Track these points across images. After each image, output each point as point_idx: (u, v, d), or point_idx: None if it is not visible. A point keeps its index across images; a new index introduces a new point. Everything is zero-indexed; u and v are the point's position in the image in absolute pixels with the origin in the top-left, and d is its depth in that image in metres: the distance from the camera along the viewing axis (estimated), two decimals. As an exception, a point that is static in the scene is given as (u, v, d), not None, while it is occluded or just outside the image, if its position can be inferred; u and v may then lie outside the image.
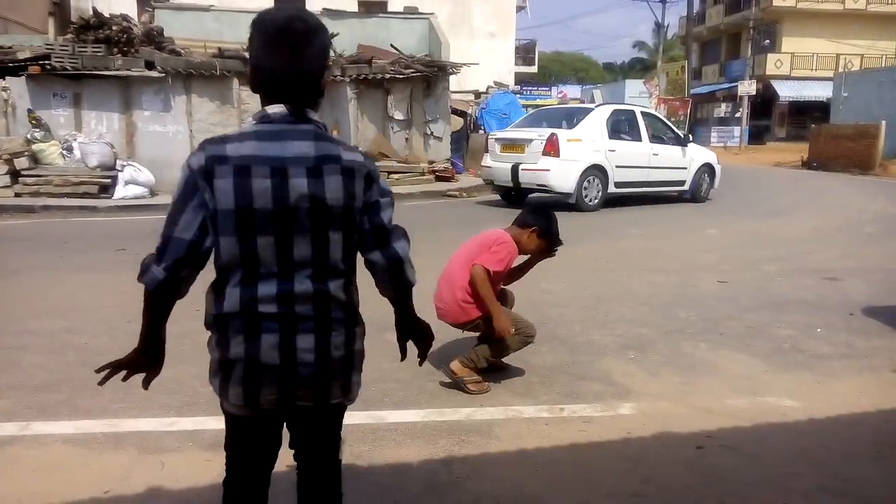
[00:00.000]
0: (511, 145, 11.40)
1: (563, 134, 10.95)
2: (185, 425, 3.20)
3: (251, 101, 13.86)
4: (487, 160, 11.92)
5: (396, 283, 1.71)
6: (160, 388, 3.64)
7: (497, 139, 11.87)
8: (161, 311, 1.64)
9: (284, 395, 1.58)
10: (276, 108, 1.54)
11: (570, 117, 11.78)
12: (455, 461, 2.87)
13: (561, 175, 10.75)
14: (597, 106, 12.33)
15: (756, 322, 4.93)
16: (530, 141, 11.07)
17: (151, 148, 13.13)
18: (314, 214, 1.52)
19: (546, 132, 11.03)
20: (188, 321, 4.86)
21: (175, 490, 2.63)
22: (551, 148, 10.75)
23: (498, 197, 12.51)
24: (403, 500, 2.57)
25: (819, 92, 31.18)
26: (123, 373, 1.74)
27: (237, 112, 13.77)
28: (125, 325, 4.78)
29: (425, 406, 3.44)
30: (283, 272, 1.54)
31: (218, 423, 3.21)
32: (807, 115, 32.63)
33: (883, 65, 28.33)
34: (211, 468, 2.78)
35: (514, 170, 11.05)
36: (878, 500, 2.60)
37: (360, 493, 2.61)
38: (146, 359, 1.71)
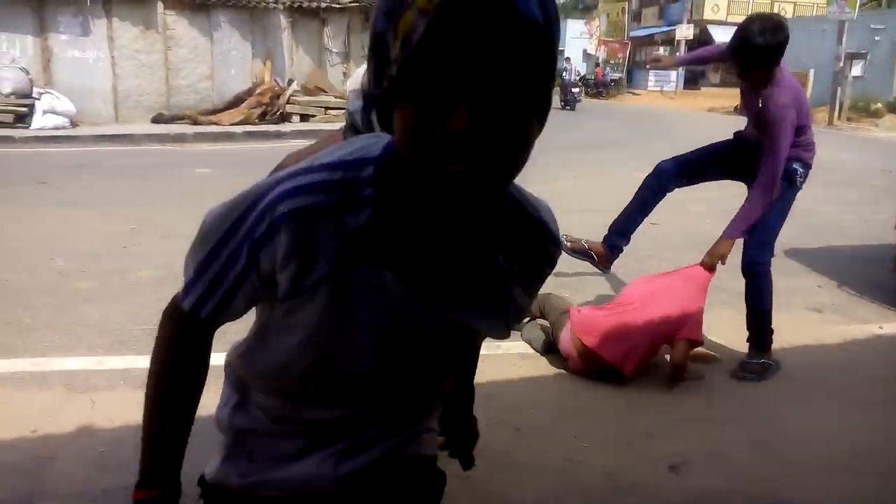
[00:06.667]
0: None
1: None
2: (116, 364, 3.12)
3: (176, 26, 13.14)
4: None
5: None
6: (88, 328, 3.54)
7: None
8: None
9: None
10: None
11: None
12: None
13: None
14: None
15: (682, 261, 5.10)
16: None
17: (70, 75, 12.35)
18: None
19: None
20: (118, 259, 4.74)
21: (107, 428, 2.58)
22: None
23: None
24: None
25: (753, 38, 31.73)
26: None
27: (162, 38, 13.05)
28: (47, 262, 4.58)
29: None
30: None
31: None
32: (740, 61, 33.27)
33: (814, 14, 29.01)
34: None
35: None
36: (789, 431, 2.80)
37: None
38: None
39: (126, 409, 2.72)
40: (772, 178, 3.03)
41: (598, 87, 28.87)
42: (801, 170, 3.22)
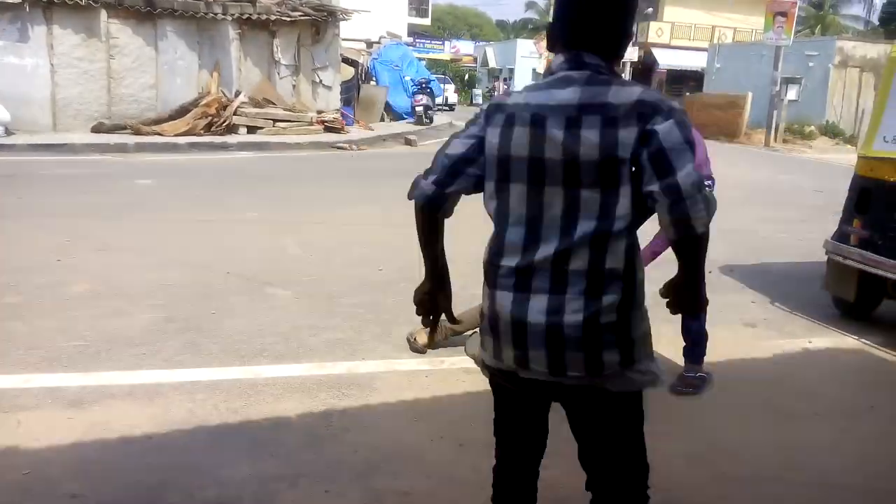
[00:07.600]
0: None
1: None
2: (44, 382, 3.00)
3: (120, 34, 12.83)
4: None
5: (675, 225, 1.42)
6: (15, 344, 3.39)
7: None
8: (432, 229, 1.64)
9: (519, 356, 1.52)
10: (556, 59, 1.51)
11: None
12: (334, 414, 2.88)
13: None
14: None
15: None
16: None
17: (7, 82, 11.88)
18: (568, 170, 1.42)
19: None
20: (50, 273, 4.56)
21: (33, 449, 2.48)
22: None
23: (392, 150, 13.32)
24: (280, 453, 2.56)
25: (695, 62, 32.83)
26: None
27: (105, 46, 12.72)
28: (-25, 276, 4.39)
29: (305, 360, 3.41)
30: (531, 227, 1.47)
31: (81, 380, 3.06)
32: (683, 83, 34.33)
33: (752, 39, 30.19)
34: (73, 426, 2.65)
35: None
36: (722, 444, 2.88)
37: (235, 450, 2.57)
38: (432, 283, 1.70)
39: (53, 429, 2.62)
40: None
41: None
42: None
